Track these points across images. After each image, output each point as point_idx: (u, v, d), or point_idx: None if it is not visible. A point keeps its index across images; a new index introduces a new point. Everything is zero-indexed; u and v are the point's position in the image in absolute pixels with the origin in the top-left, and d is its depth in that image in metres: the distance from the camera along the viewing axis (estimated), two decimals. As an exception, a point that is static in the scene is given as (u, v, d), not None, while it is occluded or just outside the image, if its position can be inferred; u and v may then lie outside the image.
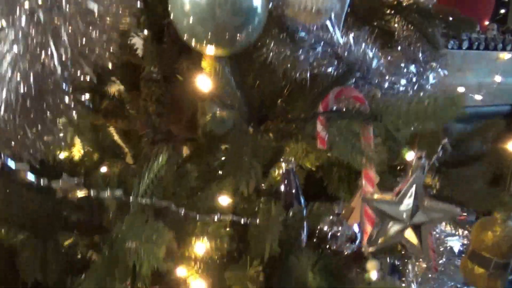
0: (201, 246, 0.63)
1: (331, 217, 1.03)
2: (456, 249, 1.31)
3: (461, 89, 2.26)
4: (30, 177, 0.51)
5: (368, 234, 0.65)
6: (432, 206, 0.59)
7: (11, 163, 0.48)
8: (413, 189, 0.59)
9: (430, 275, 1.18)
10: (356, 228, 0.84)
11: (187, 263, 0.65)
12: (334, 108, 0.69)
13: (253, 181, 0.60)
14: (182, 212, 0.59)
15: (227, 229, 0.62)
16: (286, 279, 0.61)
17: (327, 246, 0.81)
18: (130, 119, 1.04)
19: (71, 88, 0.57)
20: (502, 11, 2.73)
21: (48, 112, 0.56)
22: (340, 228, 1.06)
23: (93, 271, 0.56)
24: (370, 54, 0.80)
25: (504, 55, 2.47)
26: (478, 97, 2.09)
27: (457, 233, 1.33)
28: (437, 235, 1.34)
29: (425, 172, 0.58)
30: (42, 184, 0.51)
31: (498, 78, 2.39)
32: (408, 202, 0.59)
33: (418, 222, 0.59)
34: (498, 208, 0.84)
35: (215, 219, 0.62)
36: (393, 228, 0.60)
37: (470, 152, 0.92)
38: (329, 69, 0.78)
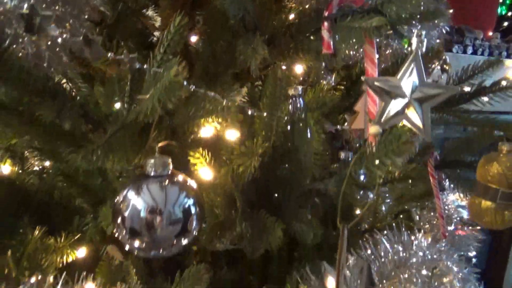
0: (209, 129, 0.65)
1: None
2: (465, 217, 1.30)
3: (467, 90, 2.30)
4: (53, 30, 0.55)
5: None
6: (433, 83, 0.61)
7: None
8: (413, 65, 0.61)
9: (437, 246, 1.17)
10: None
11: (195, 149, 0.67)
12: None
13: (260, 56, 0.63)
14: (192, 88, 0.62)
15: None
16: (291, 145, 0.62)
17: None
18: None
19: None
20: (505, 24, 2.81)
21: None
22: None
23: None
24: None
25: (510, 63, 2.52)
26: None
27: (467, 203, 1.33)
28: (447, 207, 1.34)
29: (424, 48, 0.60)
30: (62, 39, 0.55)
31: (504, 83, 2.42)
32: (409, 79, 0.61)
33: (419, 96, 0.61)
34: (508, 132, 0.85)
35: (224, 102, 0.64)
36: (395, 105, 0.62)
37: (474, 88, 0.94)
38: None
